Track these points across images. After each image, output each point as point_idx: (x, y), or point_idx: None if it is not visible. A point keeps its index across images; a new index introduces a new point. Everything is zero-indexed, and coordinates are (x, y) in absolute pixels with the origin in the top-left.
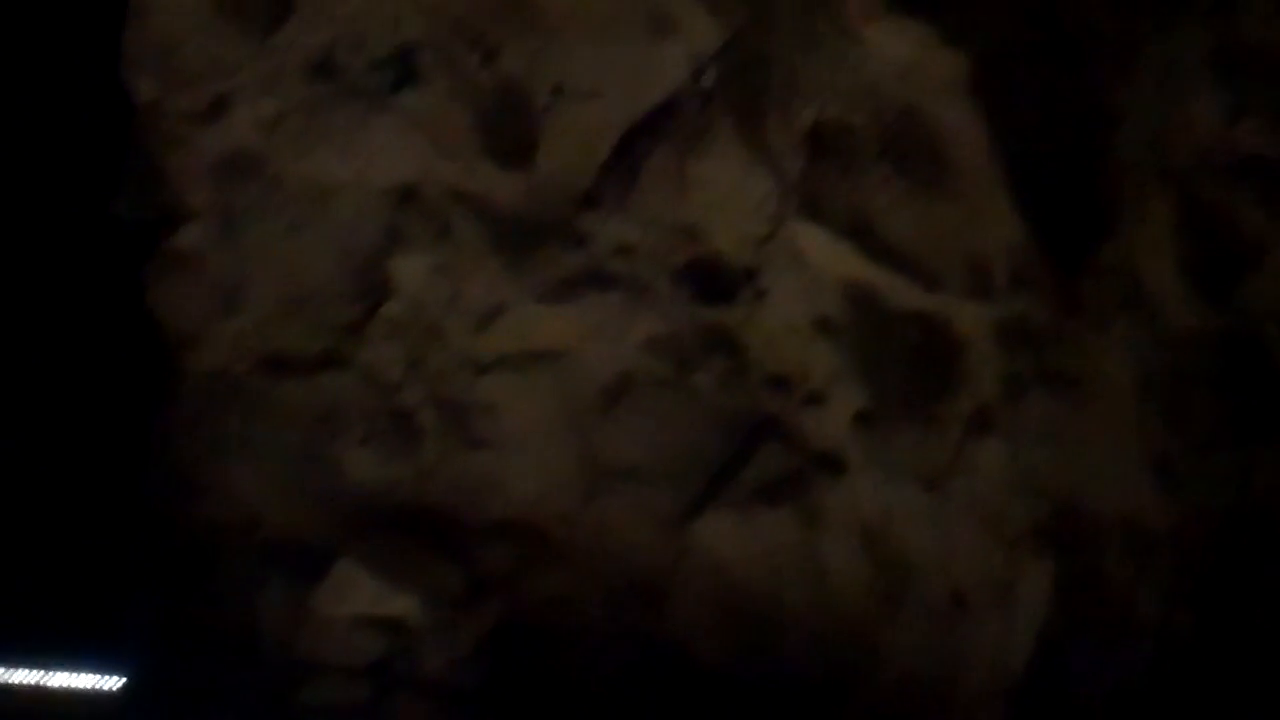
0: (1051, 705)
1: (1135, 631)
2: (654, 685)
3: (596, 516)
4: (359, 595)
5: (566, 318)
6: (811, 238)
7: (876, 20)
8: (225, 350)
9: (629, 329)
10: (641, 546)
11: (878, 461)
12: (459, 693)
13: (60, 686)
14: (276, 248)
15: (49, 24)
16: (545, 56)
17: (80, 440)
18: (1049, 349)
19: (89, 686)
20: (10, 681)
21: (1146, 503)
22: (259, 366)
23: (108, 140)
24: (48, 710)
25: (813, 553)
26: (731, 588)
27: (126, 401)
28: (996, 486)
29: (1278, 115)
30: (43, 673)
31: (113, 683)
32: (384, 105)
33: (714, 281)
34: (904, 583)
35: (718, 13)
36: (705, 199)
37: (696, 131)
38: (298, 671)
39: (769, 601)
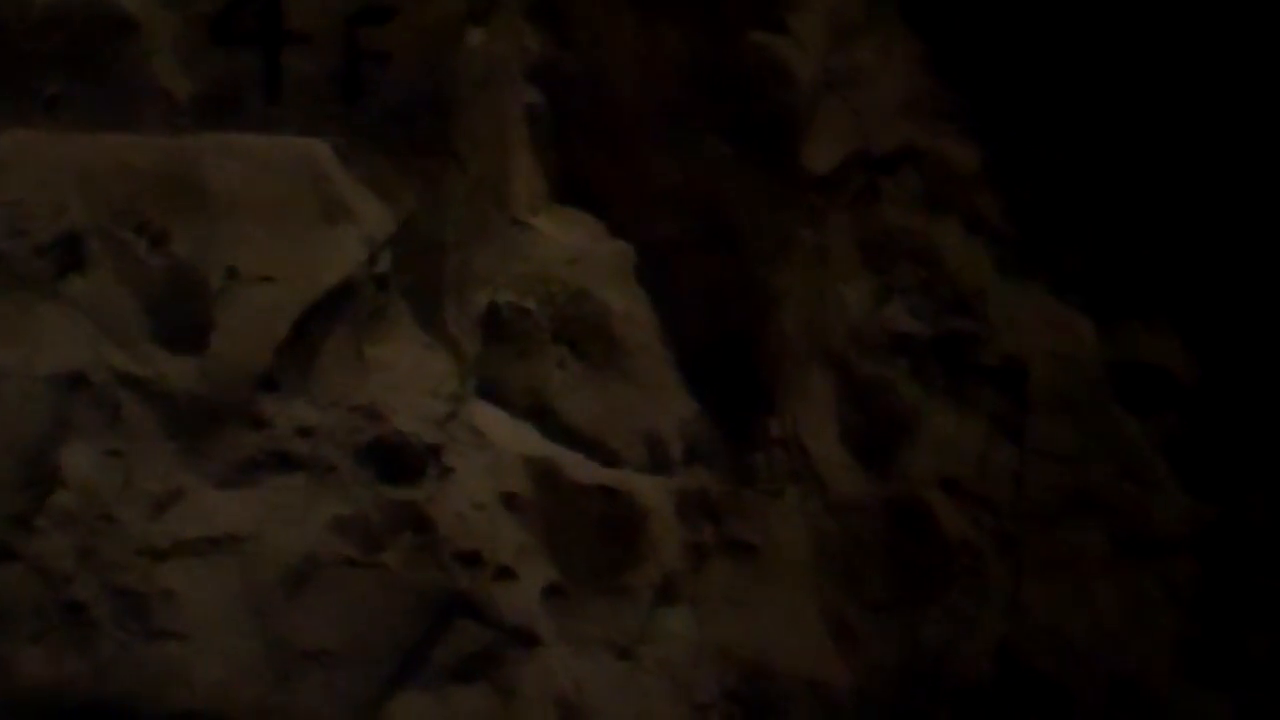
0: None
1: None
2: None
3: (286, 703)
4: None
5: (247, 501)
6: (491, 417)
7: (543, 211)
8: None
9: (313, 510)
10: None
11: (569, 633)
12: None
13: None
14: None
15: None
16: (217, 240)
17: None
18: (728, 519)
19: None
20: None
21: (828, 663)
22: None
23: None
24: None
25: None
26: None
27: None
28: (686, 653)
29: (923, 296)
30: None
31: None
32: (49, 292)
33: (398, 460)
34: None
35: (389, 200)
36: (385, 380)
37: (374, 314)
38: None
39: None
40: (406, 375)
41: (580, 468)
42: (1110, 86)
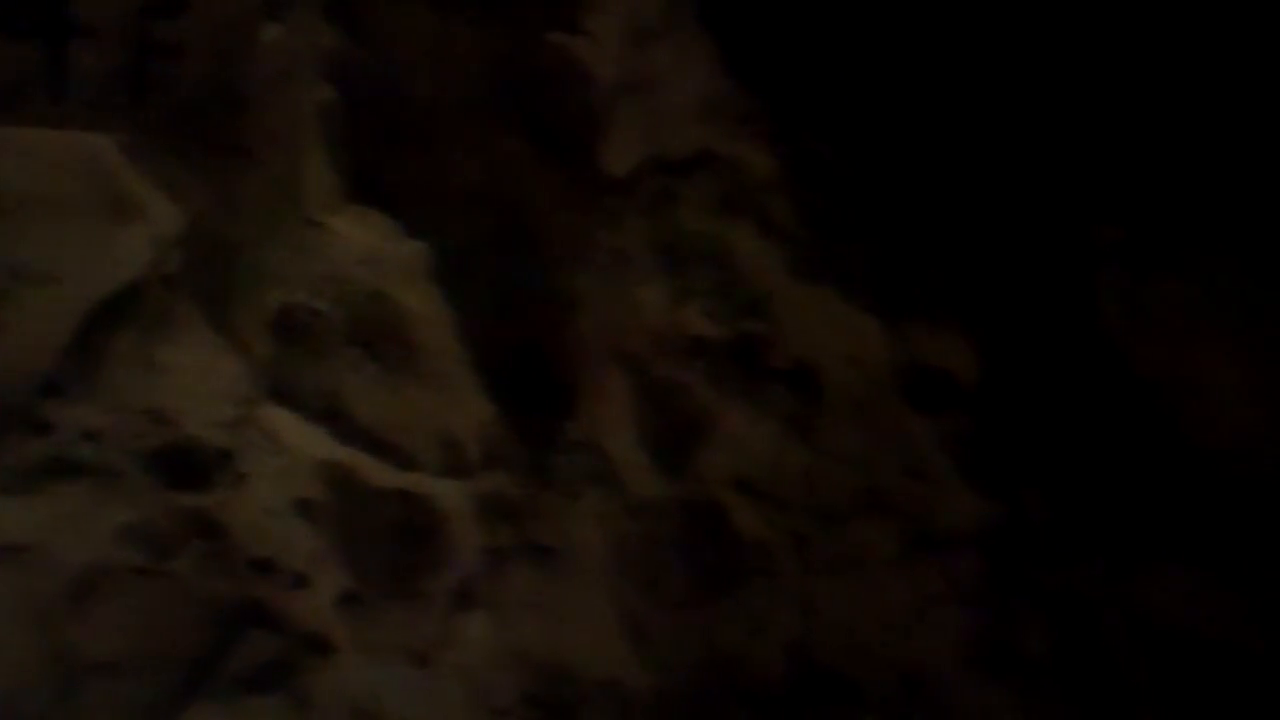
0: None
1: None
2: None
3: (72, 716)
4: None
5: (30, 509)
6: (284, 421)
7: (337, 210)
8: None
9: (99, 518)
10: None
11: (365, 640)
12: None
13: None
14: None
15: None
16: None
17: None
18: (526, 521)
19: None
20: None
21: (625, 664)
22: None
23: None
24: None
25: None
26: None
27: None
28: (484, 658)
29: (719, 299)
30: None
31: None
32: None
33: (189, 466)
34: None
35: (179, 198)
36: (174, 383)
37: (162, 316)
38: None
39: None
40: (196, 378)
41: (376, 471)
42: (897, 91)
